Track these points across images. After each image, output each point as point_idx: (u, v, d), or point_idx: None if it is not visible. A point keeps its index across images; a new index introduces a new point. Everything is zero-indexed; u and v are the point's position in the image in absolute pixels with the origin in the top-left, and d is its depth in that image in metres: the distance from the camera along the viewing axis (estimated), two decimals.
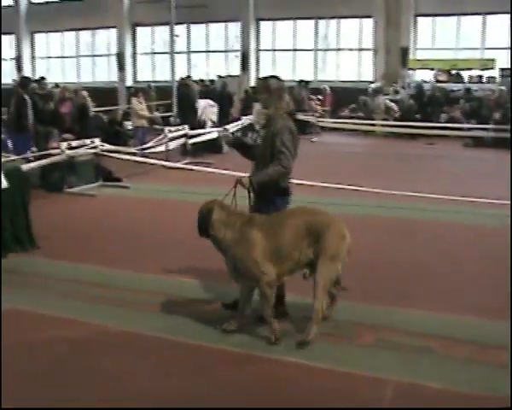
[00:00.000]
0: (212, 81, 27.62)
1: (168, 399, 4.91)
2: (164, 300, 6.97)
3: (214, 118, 21.19)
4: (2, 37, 37.81)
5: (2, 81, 33.70)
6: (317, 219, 5.90)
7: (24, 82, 15.51)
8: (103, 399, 4.89)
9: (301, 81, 26.73)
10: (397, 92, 26.64)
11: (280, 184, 6.18)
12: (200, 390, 5.05)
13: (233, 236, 5.76)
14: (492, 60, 26.00)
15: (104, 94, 28.42)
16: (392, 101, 25.83)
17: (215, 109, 21.56)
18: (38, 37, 38.18)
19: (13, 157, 12.65)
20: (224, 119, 22.41)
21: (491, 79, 25.81)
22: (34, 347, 5.86)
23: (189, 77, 22.77)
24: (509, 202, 10.76)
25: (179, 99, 21.86)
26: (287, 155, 6.01)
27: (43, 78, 19.40)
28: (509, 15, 24.64)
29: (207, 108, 21.10)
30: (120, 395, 4.98)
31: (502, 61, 25.95)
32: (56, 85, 24.10)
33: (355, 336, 6.02)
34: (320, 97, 27.36)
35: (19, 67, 37.04)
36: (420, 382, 5.10)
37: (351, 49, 30.37)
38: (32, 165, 12.49)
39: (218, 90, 24.77)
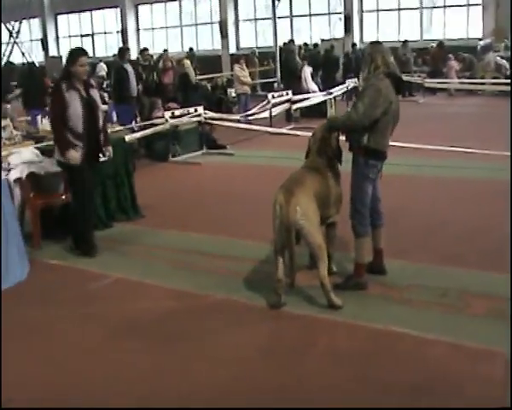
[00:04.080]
0: (315, 45, 27.27)
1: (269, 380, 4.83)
2: (259, 267, 6.94)
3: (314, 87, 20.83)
4: (109, 11, 38.91)
5: (110, 53, 34.70)
6: None
7: (122, 52, 15.72)
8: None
9: (405, 41, 25.95)
10: (508, 48, 25.50)
11: (360, 143, 6.00)
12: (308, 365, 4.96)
13: None
14: None
15: (208, 62, 28.58)
16: (502, 58, 24.78)
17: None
18: (142, 9, 38.81)
19: (117, 128, 12.91)
20: (328, 83, 22.09)
21: None
22: (138, 316, 5.93)
23: (292, 41, 22.49)
24: None
25: (282, 64, 21.66)
26: (358, 110, 5.87)
27: (145, 49, 19.65)
28: None
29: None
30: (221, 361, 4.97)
31: None
32: (165, 51, 24.38)
33: (465, 306, 5.75)
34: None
35: (124, 40, 37.74)
36: None
37: (458, 6, 29.18)
38: (137, 135, 12.66)
39: (322, 54, 24.50)
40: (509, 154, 10.98)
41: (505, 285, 6.09)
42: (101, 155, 7.81)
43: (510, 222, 7.47)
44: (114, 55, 23.28)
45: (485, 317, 5.52)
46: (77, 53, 7.48)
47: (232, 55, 32.81)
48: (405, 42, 25.90)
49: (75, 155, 7.33)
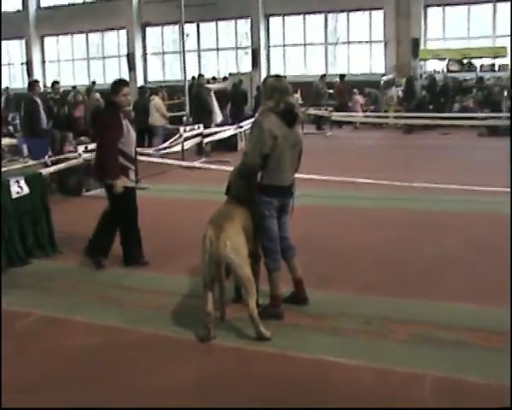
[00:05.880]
0: (224, 78, 27.57)
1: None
2: (186, 301, 7.00)
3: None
4: (13, 42, 38.16)
5: (14, 86, 34.20)
6: None
7: (32, 85, 15.56)
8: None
9: (324, 75, 26.67)
10: None
11: (257, 181, 6.19)
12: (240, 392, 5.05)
13: None
14: (504, 48, 25.82)
15: None
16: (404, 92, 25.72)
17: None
18: (48, 40, 38.33)
19: (31, 162, 12.73)
20: (237, 116, 22.32)
21: (503, 67, 25.65)
22: (67, 353, 5.88)
23: (201, 76, 22.69)
24: None
25: (193, 98, 21.78)
26: (247, 152, 6.14)
27: (56, 82, 19.48)
28: None
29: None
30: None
31: None
32: (73, 88, 24.12)
33: (388, 332, 5.97)
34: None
35: (29, 72, 37.14)
36: (458, 376, 5.04)
37: (361, 42, 30.27)
38: (51, 169, 12.48)
39: (230, 89, 24.76)
40: (407, 184, 11.76)
41: (422, 310, 6.45)
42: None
43: (510, 255, 7.60)
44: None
45: (406, 342, 5.75)
46: (120, 84, 8.17)
47: (140, 88, 32.73)
48: (323, 76, 26.60)
49: (120, 184, 7.94)
